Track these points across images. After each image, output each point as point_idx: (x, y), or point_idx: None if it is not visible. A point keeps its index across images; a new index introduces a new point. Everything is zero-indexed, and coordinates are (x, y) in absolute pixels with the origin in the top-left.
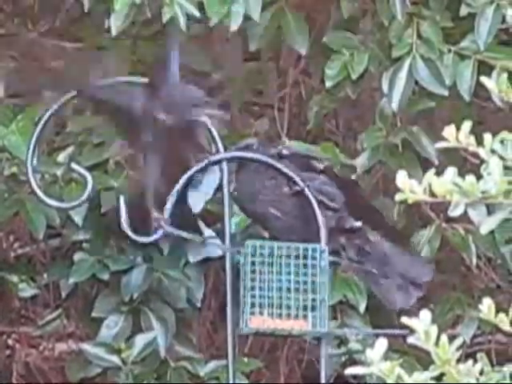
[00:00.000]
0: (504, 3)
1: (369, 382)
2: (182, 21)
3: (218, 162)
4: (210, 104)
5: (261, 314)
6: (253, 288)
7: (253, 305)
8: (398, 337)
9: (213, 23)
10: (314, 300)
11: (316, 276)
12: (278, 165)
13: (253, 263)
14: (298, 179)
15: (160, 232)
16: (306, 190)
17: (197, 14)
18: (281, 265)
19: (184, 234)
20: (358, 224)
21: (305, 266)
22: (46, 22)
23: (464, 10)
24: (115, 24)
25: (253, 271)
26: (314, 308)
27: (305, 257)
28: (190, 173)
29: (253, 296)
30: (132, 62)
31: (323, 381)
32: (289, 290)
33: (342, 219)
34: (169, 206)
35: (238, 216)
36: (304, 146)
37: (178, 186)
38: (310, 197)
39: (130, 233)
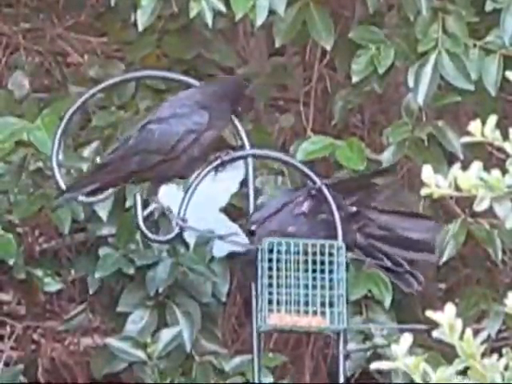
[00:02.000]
0: None
1: (394, 377)
2: (209, 16)
3: (244, 157)
4: None
5: (278, 310)
6: (270, 285)
7: (270, 302)
8: (423, 332)
9: (238, 18)
10: (331, 296)
11: (333, 272)
12: (298, 164)
13: (270, 260)
14: (315, 177)
15: (176, 230)
16: (323, 187)
17: (223, 8)
18: (298, 261)
19: (202, 232)
20: (354, 208)
21: (322, 262)
22: (71, 16)
23: (489, 6)
24: (141, 19)
25: (270, 268)
26: (331, 304)
27: (322, 253)
28: (210, 167)
29: (270, 293)
30: (157, 56)
31: (342, 377)
32: (306, 286)
33: (344, 208)
34: (186, 201)
35: None
36: (327, 140)
37: (196, 181)
38: (327, 194)
39: (146, 231)
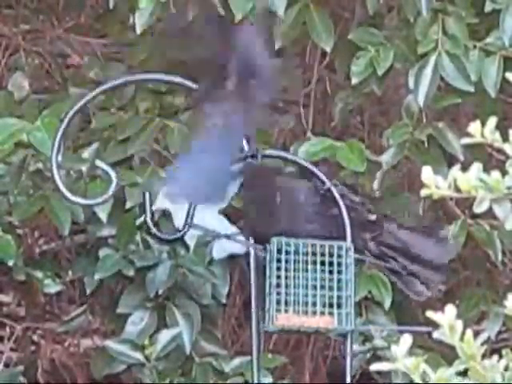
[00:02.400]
0: None
1: (393, 379)
2: None
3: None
4: None
5: (286, 311)
6: (278, 285)
7: (278, 302)
8: (423, 333)
9: (237, 19)
10: (339, 297)
11: (341, 273)
12: (306, 163)
13: (278, 260)
14: (324, 178)
15: (185, 229)
16: (332, 188)
17: (221, 12)
18: (306, 262)
19: (209, 231)
20: (373, 217)
21: (330, 263)
22: (71, 18)
23: (489, 6)
24: (140, 22)
25: (278, 268)
26: (339, 305)
27: (330, 254)
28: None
29: (278, 293)
30: (157, 58)
31: (348, 378)
32: (314, 287)
33: (360, 213)
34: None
35: None
36: (327, 142)
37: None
38: (336, 195)
39: (154, 230)
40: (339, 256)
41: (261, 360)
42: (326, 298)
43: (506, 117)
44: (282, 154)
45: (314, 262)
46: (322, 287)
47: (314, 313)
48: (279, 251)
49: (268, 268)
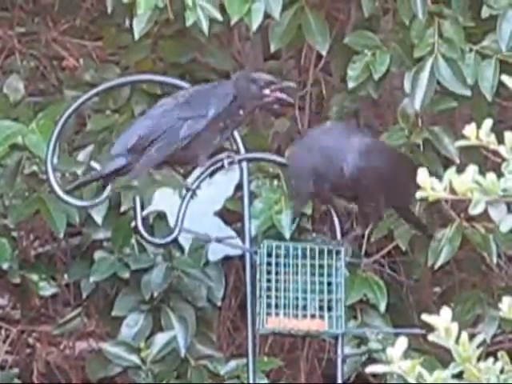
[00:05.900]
0: None
1: (389, 381)
2: (205, 24)
3: (238, 162)
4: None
5: (277, 314)
6: (269, 288)
7: (269, 305)
8: (418, 336)
9: (233, 22)
10: (330, 300)
11: (332, 276)
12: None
13: (269, 264)
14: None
15: (175, 233)
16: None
17: (219, 17)
18: (297, 265)
19: (201, 234)
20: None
21: (321, 266)
22: (67, 20)
23: (485, 12)
24: (138, 27)
25: (269, 272)
26: (330, 308)
27: (321, 257)
28: (208, 172)
29: (269, 296)
30: (153, 61)
31: (340, 380)
32: (305, 290)
33: None
34: (184, 205)
35: (258, 219)
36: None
37: (194, 186)
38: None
39: (145, 234)
40: (330, 259)
41: (256, 362)
42: (317, 301)
43: (502, 120)
44: (266, 156)
45: (305, 265)
46: (313, 290)
47: (305, 316)
48: (270, 254)
49: (258, 271)
